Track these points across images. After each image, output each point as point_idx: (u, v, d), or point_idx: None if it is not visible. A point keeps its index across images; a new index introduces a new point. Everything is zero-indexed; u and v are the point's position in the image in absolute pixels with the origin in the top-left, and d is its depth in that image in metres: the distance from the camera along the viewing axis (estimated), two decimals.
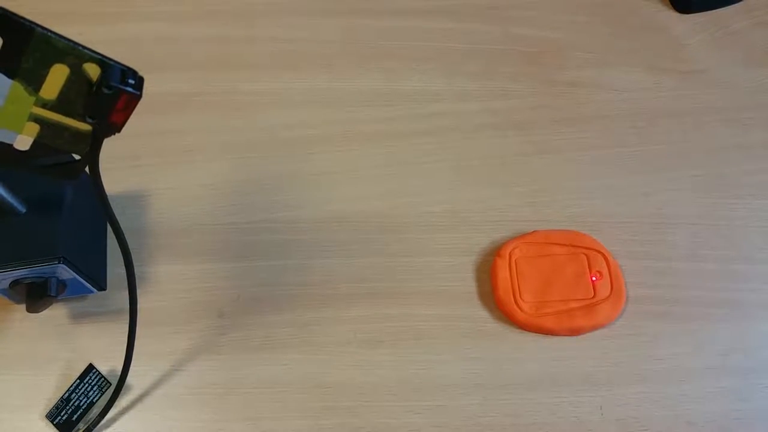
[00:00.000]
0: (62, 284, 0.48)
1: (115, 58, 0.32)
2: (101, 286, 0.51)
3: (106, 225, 0.54)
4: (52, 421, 0.49)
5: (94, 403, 0.50)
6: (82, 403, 0.49)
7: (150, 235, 0.55)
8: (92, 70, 0.31)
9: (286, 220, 0.57)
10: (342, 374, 0.51)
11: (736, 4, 0.68)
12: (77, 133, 0.34)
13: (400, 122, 0.61)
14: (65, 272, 0.47)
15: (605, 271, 0.54)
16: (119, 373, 0.46)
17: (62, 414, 0.49)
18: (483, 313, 0.54)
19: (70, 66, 0.31)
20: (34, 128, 0.34)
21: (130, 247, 0.41)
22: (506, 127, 0.61)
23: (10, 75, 0.31)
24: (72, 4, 0.65)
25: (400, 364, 0.52)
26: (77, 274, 0.47)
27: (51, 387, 0.50)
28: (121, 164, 0.58)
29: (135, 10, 0.65)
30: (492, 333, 0.53)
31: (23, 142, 0.35)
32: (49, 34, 0.30)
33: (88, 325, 0.52)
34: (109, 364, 0.51)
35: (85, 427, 0.49)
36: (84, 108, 0.32)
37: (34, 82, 0.32)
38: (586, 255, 0.55)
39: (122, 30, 0.64)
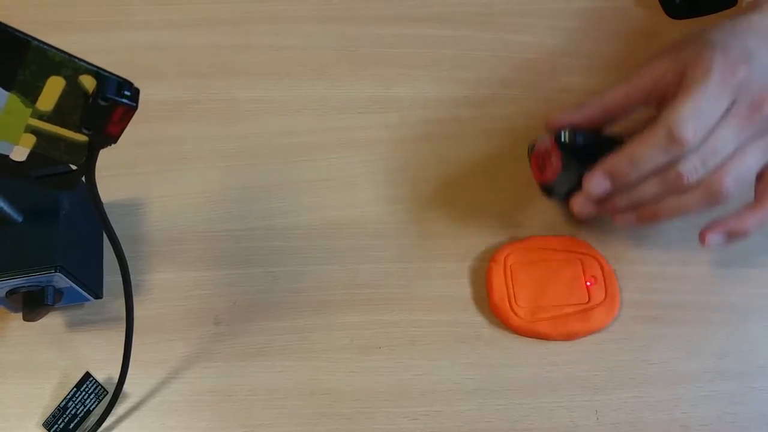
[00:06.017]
0: (59, 293, 0.48)
1: (111, 67, 0.32)
2: (98, 294, 0.52)
3: (102, 233, 0.54)
4: (48, 430, 0.49)
5: (91, 411, 0.50)
6: (79, 412, 0.49)
7: (146, 242, 0.56)
8: (88, 82, 0.32)
9: (281, 227, 0.57)
10: (338, 381, 0.51)
11: (726, 10, 0.69)
12: (73, 144, 0.34)
13: (394, 129, 0.61)
14: (62, 281, 0.47)
15: (600, 276, 0.54)
16: (116, 381, 0.46)
17: (59, 422, 0.49)
18: (479, 319, 0.54)
19: (66, 78, 0.31)
20: (31, 139, 0.34)
21: (126, 255, 0.41)
22: (500, 132, 0.61)
23: (7, 87, 0.31)
24: (68, 13, 0.65)
25: (397, 370, 0.52)
26: (74, 282, 0.47)
27: (48, 395, 0.50)
28: (117, 172, 0.58)
29: (130, 19, 0.65)
30: (487, 338, 0.53)
31: (20, 152, 0.35)
32: (45, 47, 0.30)
33: (84, 333, 0.52)
34: (105, 372, 0.51)
35: None
36: (80, 119, 0.32)
37: (30, 94, 0.32)
38: (580, 260, 0.55)
39: (118, 38, 0.64)
